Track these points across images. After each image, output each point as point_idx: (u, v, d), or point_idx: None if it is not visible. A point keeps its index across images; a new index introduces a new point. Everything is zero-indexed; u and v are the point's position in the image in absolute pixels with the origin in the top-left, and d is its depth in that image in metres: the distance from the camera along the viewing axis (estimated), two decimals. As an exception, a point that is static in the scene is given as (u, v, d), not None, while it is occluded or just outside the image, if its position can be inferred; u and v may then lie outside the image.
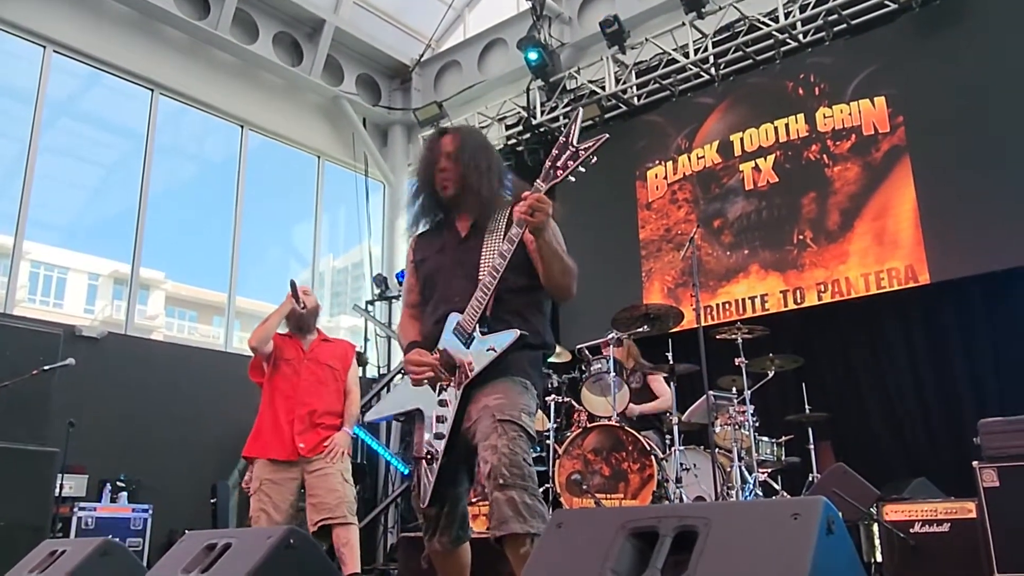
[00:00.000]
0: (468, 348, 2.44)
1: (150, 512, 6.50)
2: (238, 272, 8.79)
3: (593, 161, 2.33)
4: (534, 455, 5.68)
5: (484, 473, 2.31)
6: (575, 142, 2.34)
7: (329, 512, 4.11)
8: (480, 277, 2.48)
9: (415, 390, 2.53)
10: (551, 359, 6.04)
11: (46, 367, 5.42)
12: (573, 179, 2.35)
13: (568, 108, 8.28)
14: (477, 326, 2.43)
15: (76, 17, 7.82)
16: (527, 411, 2.41)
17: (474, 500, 5.42)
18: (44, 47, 7.67)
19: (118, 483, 6.62)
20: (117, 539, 3.25)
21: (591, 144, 2.32)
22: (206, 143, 9.65)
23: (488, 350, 2.40)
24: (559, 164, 2.36)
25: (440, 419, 2.44)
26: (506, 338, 2.41)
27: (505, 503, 2.24)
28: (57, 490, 5.73)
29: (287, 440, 4.15)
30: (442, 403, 2.46)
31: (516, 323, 2.47)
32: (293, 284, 4.32)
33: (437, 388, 2.48)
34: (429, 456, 2.44)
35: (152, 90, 8.39)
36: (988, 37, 6.19)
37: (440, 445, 2.42)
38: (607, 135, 2.35)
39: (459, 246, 2.62)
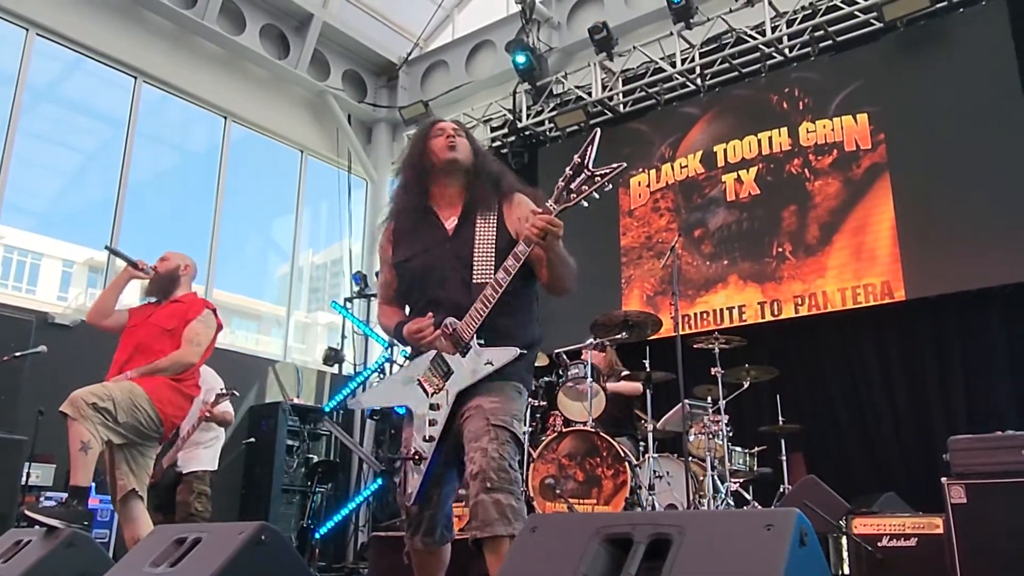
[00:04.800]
0: (464, 357, 2.42)
1: (118, 504, 6.41)
2: (216, 264, 8.72)
3: (608, 188, 2.30)
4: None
5: (471, 473, 2.31)
6: (591, 165, 2.30)
7: None
8: (475, 279, 2.46)
9: (405, 387, 2.52)
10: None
11: (17, 354, 5.35)
12: (586, 204, 2.32)
13: (554, 112, 8.29)
14: (475, 336, 2.42)
15: (61, 1, 7.72)
16: (518, 417, 2.43)
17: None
18: (27, 30, 7.57)
19: (86, 474, 6.52)
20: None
21: (607, 172, 2.28)
22: (188, 133, 9.57)
23: (487, 363, 2.40)
24: (573, 187, 2.32)
25: (431, 422, 2.43)
26: (506, 356, 2.41)
27: (492, 505, 2.25)
28: (24, 479, 5.64)
29: None
30: (433, 407, 2.44)
31: (511, 326, 2.47)
32: (111, 250, 4.20)
33: (429, 391, 2.47)
34: (417, 456, 2.43)
35: (135, 77, 8.32)
36: (970, 59, 6.28)
37: (429, 448, 2.42)
38: (624, 164, 2.32)
39: (448, 243, 2.55)
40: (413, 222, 2.63)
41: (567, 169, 2.33)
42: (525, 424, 5.63)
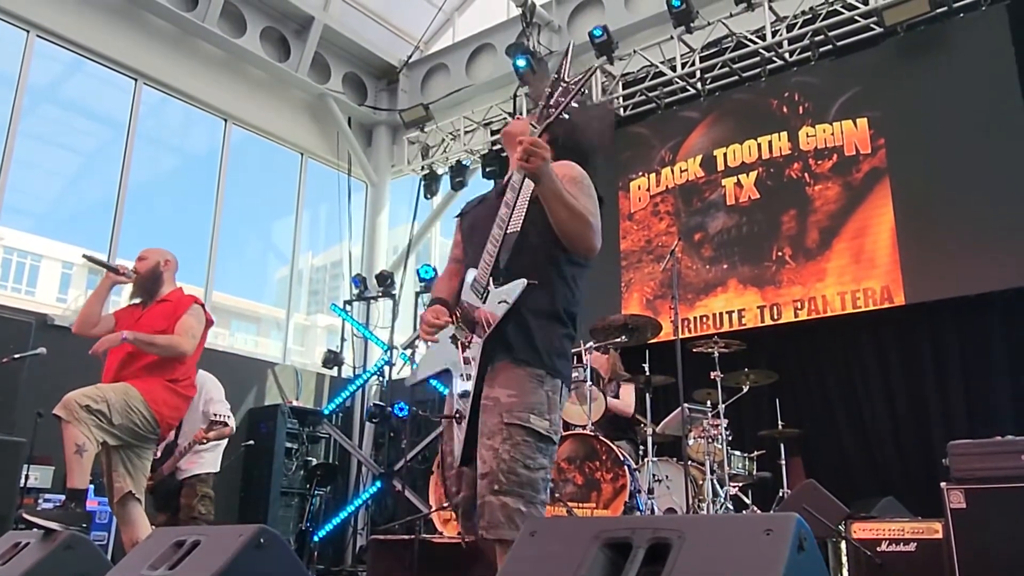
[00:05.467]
0: (484, 303, 2.35)
1: (116, 506, 6.40)
2: (216, 266, 8.73)
3: (584, 93, 2.26)
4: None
5: (480, 472, 2.26)
6: (567, 78, 2.25)
7: None
8: (507, 231, 2.39)
9: (446, 351, 2.47)
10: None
11: (16, 355, 5.34)
12: (567, 116, 2.26)
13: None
14: (490, 279, 2.34)
15: (61, 3, 7.74)
16: (537, 410, 2.30)
17: (446, 505, 5.40)
18: (28, 31, 7.58)
19: (85, 476, 6.51)
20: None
21: (581, 77, 2.24)
22: (189, 135, 9.58)
23: (500, 302, 2.31)
24: (552, 102, 2.26)
25: (467, 376, 2.37)
26: (516, 288, 2.30)
27: (499, 508, 2.21)
28: (22, 481, 5.63)
29: None
30: (466, 361, 2.38)
31: (536, 288, 2.35)
32: (89, 258, 4.16)
33: (460, 346, 2.41)
34: (458, 415, 2.38)
35: (136, 79, 8.32)
36: (970, 64, 6.29)
37: (466, 403, 2.36)
38: (596, 66, 2.33)
39: (495, 200, 2.48)
40: (495, 190, 2.62)
41: (546, 88, 2.27)
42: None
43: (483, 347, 2.33)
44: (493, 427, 2.27)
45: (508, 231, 2.36)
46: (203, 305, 4.07)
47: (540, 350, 2.35)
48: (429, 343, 2.48)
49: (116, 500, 3.70)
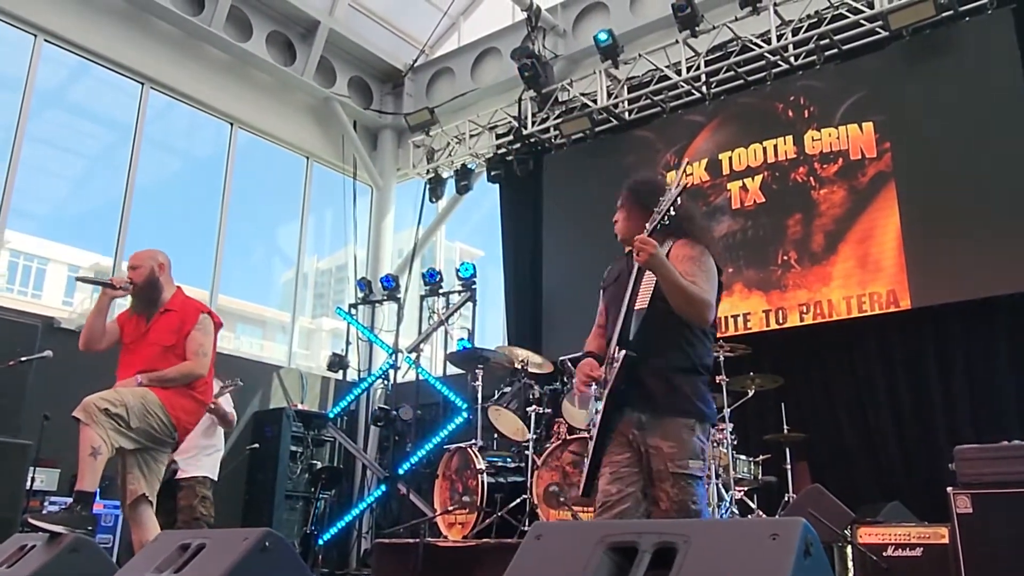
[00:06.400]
0: (611, 366, 2.83)
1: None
2: (221, 270, 8.74)
3: (679, 203, 2.76)
4: (512, 466, 5.67)
5: (662, 508, 2.72)
6: (674, 188, 2.77)
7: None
8: (635, 307, 2.84)
9: (594, 402, 2.94)
10: (533, 370, 6.04)
11: (23, 358, 5.36)
12: (667, 221, 2.78)
13: (559, 120, 8.30)
14: (616, 348, 2.81)
15: (68, 7, 7.77)
16: (693, 456, 2.74)
17: (451, 508, 5.41)
18: (35, 36, 7.61)
19: (90, 478, 6.52)
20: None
21: (676, 192, 2.75)
22: (195, 139, 9.61)
23: (615, 366, 2.79)
24: (659, 208, 2.78)
25: (593, 424, 2.87)
26: (620, 357, 2.76)
27: None
28: (28, 483, 5.65)
29: None
30: (597, 411, 2.86)
31: (662, 346, 2.79)
32: (82, 279, 4.07)
33: (599, 397, 2.88)
34: (584, 454, 2.92)
35: (142, 83, 8.35)
36: (975, 67, 6.27)
37: (590, 445, 2.84)
38: (683, 186, 2.73)
39: (629, 277, 2.93)
40: (625, 258, 3.08)
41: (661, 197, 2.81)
42: (530, 431, 5.57)
43: (605, 399, 2.82)
44: (662, 473, 2.73)
45: (636, 307, 2.82)
46: (209, 312, 4.02)
47: (688, 402, 2.80)
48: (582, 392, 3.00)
49: (129, 502, 3.70)
